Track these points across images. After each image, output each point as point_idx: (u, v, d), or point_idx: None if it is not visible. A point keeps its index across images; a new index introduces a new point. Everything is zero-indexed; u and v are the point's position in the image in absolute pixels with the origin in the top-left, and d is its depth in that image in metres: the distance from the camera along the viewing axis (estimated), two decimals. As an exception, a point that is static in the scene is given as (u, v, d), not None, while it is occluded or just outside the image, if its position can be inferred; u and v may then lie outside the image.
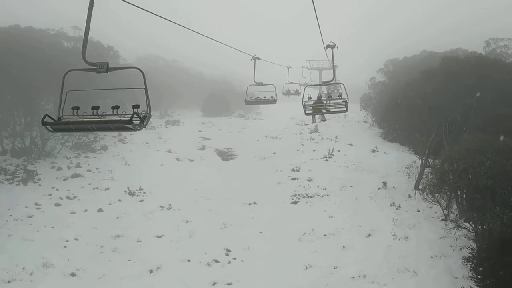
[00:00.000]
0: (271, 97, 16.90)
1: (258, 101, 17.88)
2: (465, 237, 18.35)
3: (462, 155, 16.16)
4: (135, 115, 5.90)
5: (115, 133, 37.02)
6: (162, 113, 54.33)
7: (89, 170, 29.54)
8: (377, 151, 35.40)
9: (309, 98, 15.07)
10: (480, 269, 13.59)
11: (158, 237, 21.65)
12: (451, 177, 17.25)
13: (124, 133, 37.75)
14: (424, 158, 27.98)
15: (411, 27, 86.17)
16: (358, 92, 56.57)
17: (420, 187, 26.76)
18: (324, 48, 13.54)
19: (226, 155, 35.69)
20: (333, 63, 14.62)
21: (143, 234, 21.56)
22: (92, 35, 44.88)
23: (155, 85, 55.74)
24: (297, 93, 28.13)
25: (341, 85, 14.64)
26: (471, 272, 14.86)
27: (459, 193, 18.36)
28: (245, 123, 50.92)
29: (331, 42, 12.88)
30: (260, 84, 16.36)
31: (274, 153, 35.55)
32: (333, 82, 14.27)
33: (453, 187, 17.96)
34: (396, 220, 21.95)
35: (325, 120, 36.72)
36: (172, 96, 59.08)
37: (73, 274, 17.62)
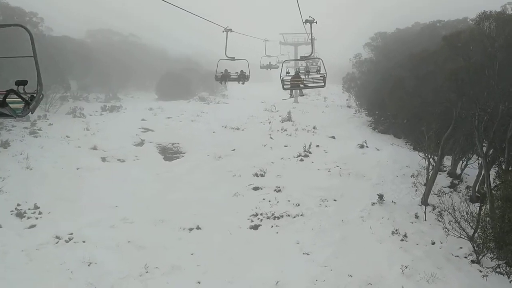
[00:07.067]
0: None
1: None
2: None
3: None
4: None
5: (27, 124, 28.47)
6: (109, 95, 45.35)
7: (-29, 178, 20.88)
8: (367, 147, 27.79)
9: (287, 73, 14.59)
10: None
11: (34, 296, 13.62)
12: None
13: (40, 124, 29.24)
14: (435, 158, 20.49)
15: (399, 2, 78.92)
16: (341, 71, 49.48)
17: (432, 202, 19.32)
18: (303, 22, 12.85)
19: (170, 153, 27.18)
20: (312, 37, 13.54)
21: (11, 292, 13.56)
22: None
23: (104, 62, 47.69)
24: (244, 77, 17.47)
25: (320, 60, 14.71)
26: None
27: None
28: (203, 109, 40.67)
29: (309, 17, 12.56)
30: None
31: (234, 149, 27.22)
32: (311, 56, 13.46)
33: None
34: (406, 267, 14.16)
35: (303, 95, 33.58)
36: (124, 76, 51.34)
37: None
